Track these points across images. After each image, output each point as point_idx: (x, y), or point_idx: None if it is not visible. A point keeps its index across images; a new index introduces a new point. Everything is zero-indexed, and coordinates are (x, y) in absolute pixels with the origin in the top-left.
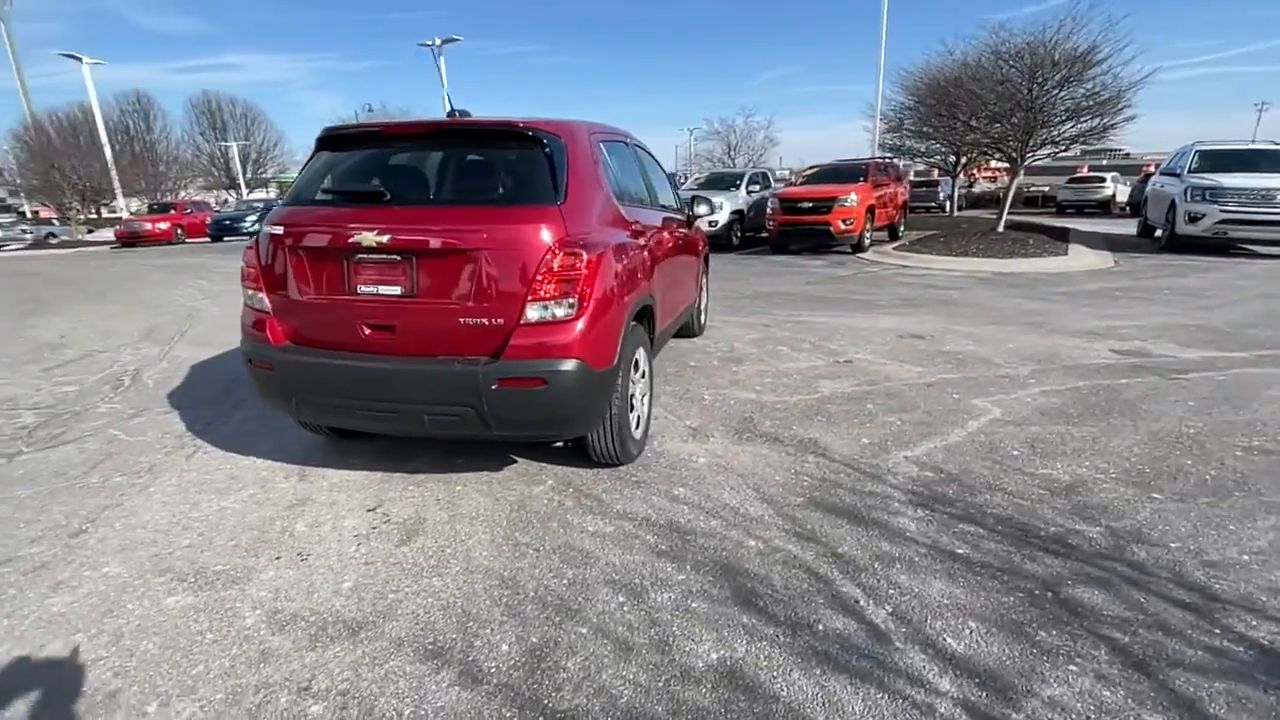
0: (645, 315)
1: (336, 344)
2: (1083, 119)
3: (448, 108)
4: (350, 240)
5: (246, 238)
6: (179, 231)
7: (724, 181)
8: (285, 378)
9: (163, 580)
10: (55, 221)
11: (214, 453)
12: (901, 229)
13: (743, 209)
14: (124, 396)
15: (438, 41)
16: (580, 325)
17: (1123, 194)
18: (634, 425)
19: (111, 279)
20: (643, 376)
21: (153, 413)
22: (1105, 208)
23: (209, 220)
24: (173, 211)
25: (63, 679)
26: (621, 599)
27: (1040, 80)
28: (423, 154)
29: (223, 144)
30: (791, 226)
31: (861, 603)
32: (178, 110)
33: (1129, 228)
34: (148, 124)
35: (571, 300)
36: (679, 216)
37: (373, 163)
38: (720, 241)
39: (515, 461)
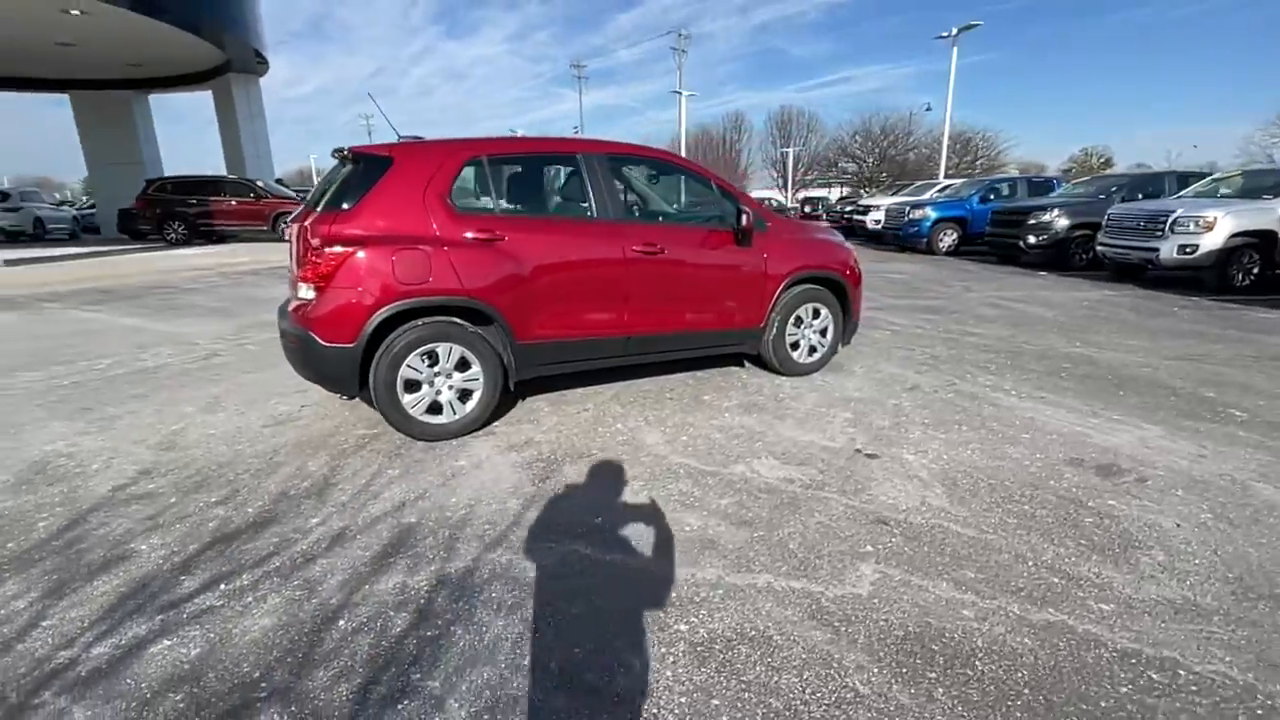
0: (473, 316)
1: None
2: None
3: (397, 135)
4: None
5: None
6: None
7: (1262, 186)
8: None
9: (207, 402)
10: None
11: None
12: None
13: (1273, 230)
14: None
15: (954, 31)
16: (316, 305)
17: None
18: (422, 407)
19: None
20: (462, 369)
21: None
22: None
23: None
24: None
25: (120, 419)
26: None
27: None
28: (339, 170)
29: (783, 150)
30: None
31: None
32: (760, 123)
33: None
34: (738, 135)
35: (316, 285)
36: (693, 231)
37: (329, 175)
38: (1204, 278)
39: None
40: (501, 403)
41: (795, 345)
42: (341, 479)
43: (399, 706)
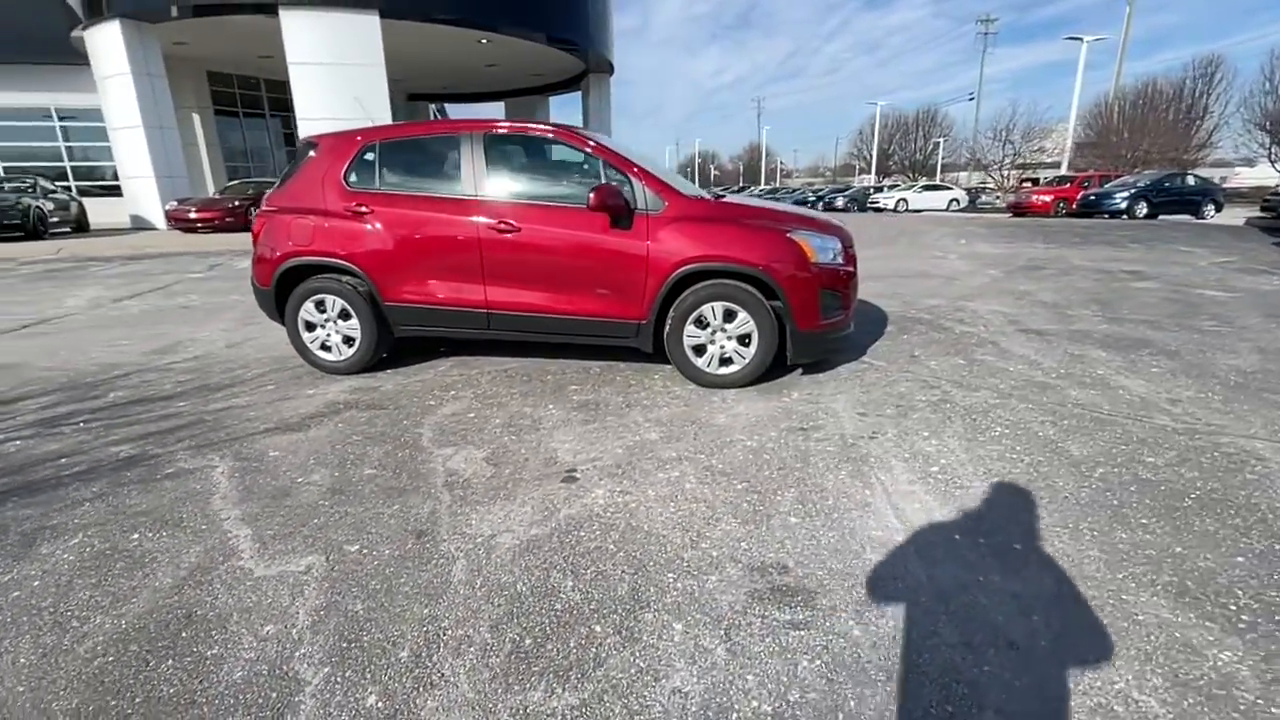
0: (347, 274)
1: None
2: None
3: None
4: None
5: (1110, 217)
6: (1059, 204)
7: None
8: None
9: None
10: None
11: None
12: None
13: None
14: None
15: None
16: (253, 256)
17: None
18: (317, 344)
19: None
20: (344, 319)
21: None
22: None
23: (1078, 196)
24: (1069, 186)
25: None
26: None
27: None
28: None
29: None
30: None
31: None
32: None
33: None
34: (1207, 88)
35: (252, 242)
36: (562, 210)
37: None
38: None
39: None
40: (429, 354)
41: (700, 350)
42: (246, 385)
43: (5, 506)
